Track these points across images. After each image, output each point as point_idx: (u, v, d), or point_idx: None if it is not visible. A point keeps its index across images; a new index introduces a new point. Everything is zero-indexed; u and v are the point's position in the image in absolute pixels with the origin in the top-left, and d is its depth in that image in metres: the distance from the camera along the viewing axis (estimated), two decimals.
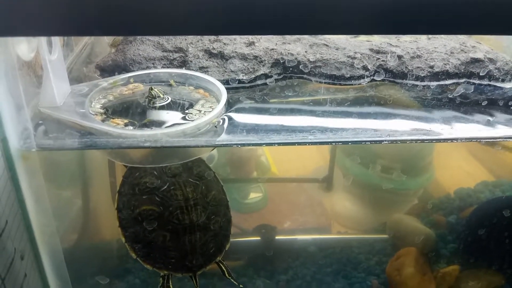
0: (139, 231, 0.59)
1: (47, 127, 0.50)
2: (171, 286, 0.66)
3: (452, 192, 0.94)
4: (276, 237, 0.93)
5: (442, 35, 0.73)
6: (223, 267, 0.69)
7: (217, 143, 0.49)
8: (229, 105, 0.57)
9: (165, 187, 0.59)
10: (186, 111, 0.55)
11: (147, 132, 0.48)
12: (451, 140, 0.52)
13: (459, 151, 1.06)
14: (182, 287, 0.74)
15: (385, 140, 0.51)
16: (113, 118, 0.53)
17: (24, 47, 0.47)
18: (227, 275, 0.70)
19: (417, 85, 0.65)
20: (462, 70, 0.66)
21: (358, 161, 0.96)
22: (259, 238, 0.93)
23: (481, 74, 0.65)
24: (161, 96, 0.58)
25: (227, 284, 0.71)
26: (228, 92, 0.56)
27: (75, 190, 0.70)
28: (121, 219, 0.60)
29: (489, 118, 0.54)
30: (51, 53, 0.50)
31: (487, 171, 0.99)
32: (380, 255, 0.87)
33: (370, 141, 0.51)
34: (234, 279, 0.70)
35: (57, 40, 0.51)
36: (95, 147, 0.47)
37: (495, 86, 0.65)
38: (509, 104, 0.60)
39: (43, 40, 0.48)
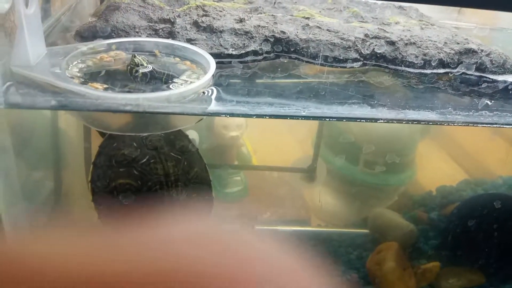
0: (114, 206, 0.56)
1: (18, 86, 0.45)
2: None
3: (434, 189, 0.93)
4: (256, 228, 0.90)
5: (435, 25, 0.72)
6: None
7: (204, 111, 0.46)
8: (217, 79, 0.54)
9: (145, 160, 0.55)
10: (171, 81, 0.52)
11: (128, 95, 0.45)
12: (448, 123, 0.50)
13: (439, 151, 1.06)
14: None
15: (380, 119, 0.49)
16: (91, 83, 0.49)
17: None
18: None
19: (410, 72, 0.63)
20: (456, 60, 0.65)
21: (341, 156, 0.94)
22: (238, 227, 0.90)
23: (475, 64, 0.64)
24: (145, 64, 0.54)
25: None
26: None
27: (47, 159, 0.65)
28: (95, 193, 0.56)
29: (488, 102, 0.53)
30: (27, 6, 0.46)
31: (467, 172, 0.99)
32: (360, 249, 0.85)
33: (365, 119, 0.49)
34: None
35: None
36: (70, 107, 0.43)
37: (488, 78, 0.64)
38: (501, 95, 0.59)
39: None
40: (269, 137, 0.98)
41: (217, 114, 0.46)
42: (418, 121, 0.50)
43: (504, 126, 0.49)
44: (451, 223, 0.81)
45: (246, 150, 1.06)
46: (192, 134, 0.87)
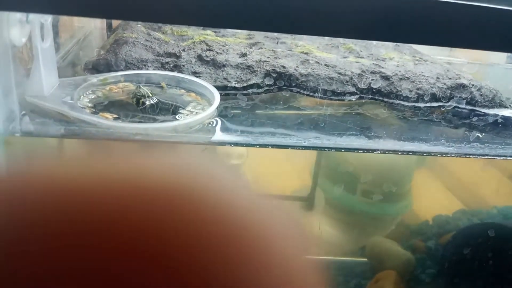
0: None
1: (33, 115, 0.48)
2: None
3: (430, 219, 0.95)
4: None
5: (428, 61, 0.76)
6: None
7: (209, 141, 0.48)
8: (221, 111, 0.56)
9: None
10: (177, 112, 0.54)
11: (138, 125, 0.47)
12: (442, 154, 0.53)
13: (435, 182, 1.08)
14: None
15: (378, 150, 0.51)
16: (102, 113, 0.51)
17: (16, 30, 0.46)
18: None
19: (404, 105, 0.66)
20: (448, 94, 0.68)
21: (339, 185, 0.96)
22: None
23: (466, 99, 0.67)
24: (150, 95, 0.56)
25: None
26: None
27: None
28: None
29: (478, 134, 0.55)
30: (43, 40, 0.49)
31: (463, 202, 1.01)
32: (358, 277, 0.86)
33: (363, 150, 0.51)
34: None
35: (50, 29, 0.50)
36: (83, 136, 0.45)
37: (479, 111, 0.67)
38: (492, 127, 0.62)
39: (36, 25, 0.47)
40: (269, 167, 1.00)
41: (222, 143, 0.48)
42: (413, 152, 0.53)
43: (495, 157, 0.51)
44: (447, 251, 0.82)
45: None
46: None
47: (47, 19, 0.48)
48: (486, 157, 0.51)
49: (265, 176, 1.03)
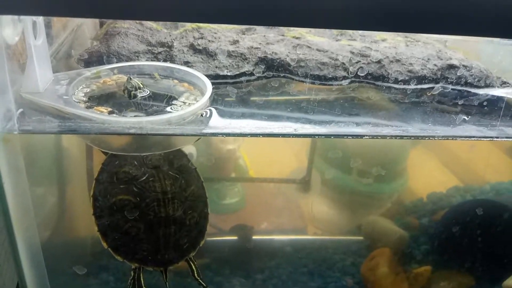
0: (113, 220, 0.59)
1: (29, 111, 0.49)
2: (142, 279, 0.65)
3: (424, 196, 0.97)
4: (253, 237, 0.93)
5: (420, 41, 0.76)
6: (193, 267, 0.68)
7: (203, 132, 0.49)
8: (214, 100, 0.57)
9: (144, 178, 0.58)
10: (171, 103, 0.55)
11: (132, 119, 0.48)
12: (429, 137, 0.54)
13: (431, 159, 1.09)
14: (154, 282, 0.73)
15: (367, 135, 0.53)
16: (96, 106, 0.53)
17: (9, 30, 0.46)
18: (196, 275, 0.69)
19: (395, 88, 0.67)
20: (439, 75, 0.69)
21: (335, 166, 0.97)
22: (236, 237, 0.93)
23: (456, 79, 0.68)
24: (141, 87, 0.57)
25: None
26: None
27: (54, 177, 0.69)
28: (96, 207, 0.59)
29: (465, 117, 0.56)
30: (36, 38, 0.50)
31: (458, 179, 1.02)
32: (355, 255, 0.88)
33: (355, 135, 0.52)
34: (201, 281, 0.69)
35: (42, 26, 0.51)
36: (79, 131, 0.47)
37: (469, 91, 0.68)
38: (483, 106, 0.63)
39: (28, 24, 0.48)
40: (265, 149, 1.01)
41: (215, 134, 0.49)
42: (401, 137, 0.54)
43: (481, 139, 0.53)
44: (440, 228, 0.84)
45: (243, 162, 1.09)
46: (190, 149, 0.90)
47: (39, 16, 0.48)
48: (473, 138, 0.52)
49: (261, 159, 1.04)
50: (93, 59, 0.64)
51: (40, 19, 0.50)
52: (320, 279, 0.84)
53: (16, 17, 0.46)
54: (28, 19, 0.47)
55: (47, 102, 0.50)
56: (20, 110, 0.48)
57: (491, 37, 0.45)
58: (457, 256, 0.81)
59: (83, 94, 0.55)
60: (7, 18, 0.45)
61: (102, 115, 0.49)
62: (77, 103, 0.52)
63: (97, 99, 0.55)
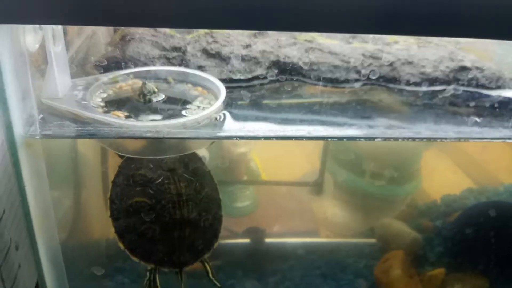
0: (130, 222, 0.60)
1: (49, 117, 0.50)
2: (157, 280, 0.66)
3: (438, 198, 0.96)
4: (266, 240, 0.94)
5: (432, 43, 0.76)
6: (207, 267, 0.69)
7: (217, 135, 0.50)
8: (227, 103, 0.58)
9: (160, 180, 0.59)
10: (185, 107, 0.56)
11: (149, 123, 0.49)
12: (441, 139, 0.54)
13: (445, 160, 1.09)
14: (170, 283, 0.74)
15: (379, 138, 0.53)
16: (113, 111, 0.54)
17: (30, 37, 0.48)
18: (210, 275, 0.70)
19: (407, 90, 0.67)
20: (451, 77, 0.69)
21: (347, 168, 0.97)
22: (248, 240, 0.94)
23: (468, 81, 0.68)
24: (156, 91, 0.58)
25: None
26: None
27: (72, 180, 0.70)
28: (113, 209, 0.60)
29: (476, 119, 0.56)
30: (55, 45, 0.51)
31: (472, 180, 1.02)
32: (368, 258, 0.88)
33: (367, 138, 0.53)
34: (217, 281, 0.70)
35: (61, 33, 0.52)
36: (98, 136, 0.48)
37: (481, 93, 0.68)
38: (495, 108, 0.63)
39: (49, 31, 0.49)
40: (277, 152, 1.02)
41: (229, 137, 0.50)
42: (413, 138, 0.54)
43: (493, 140, 0.53)
44: (454, 230, 0.84)
45: (255, 165, 1.10)
46: (203, 152, 0.91)
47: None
48: (485, 140, 0.52)
49: (273, 162, 1.05)
50: (109, 65, 0.65)
51: (59, 27, 0.51)
52: (333, 282, 0.84)
53: (37, 25, 0.47)
54: (48, 27, 0.49)
55: (67, 107, 0.51)
56: (42, 115, 0.50)
57: (503, 39, 0.45)
58: (471, 258, 0.81)
59: (100, 99, 0.57)
60: (29, 27, 0.46)
61: (120, 120, 0.50)
62: (95, 108, 0.53)
63: (113, 104, 0.56)
